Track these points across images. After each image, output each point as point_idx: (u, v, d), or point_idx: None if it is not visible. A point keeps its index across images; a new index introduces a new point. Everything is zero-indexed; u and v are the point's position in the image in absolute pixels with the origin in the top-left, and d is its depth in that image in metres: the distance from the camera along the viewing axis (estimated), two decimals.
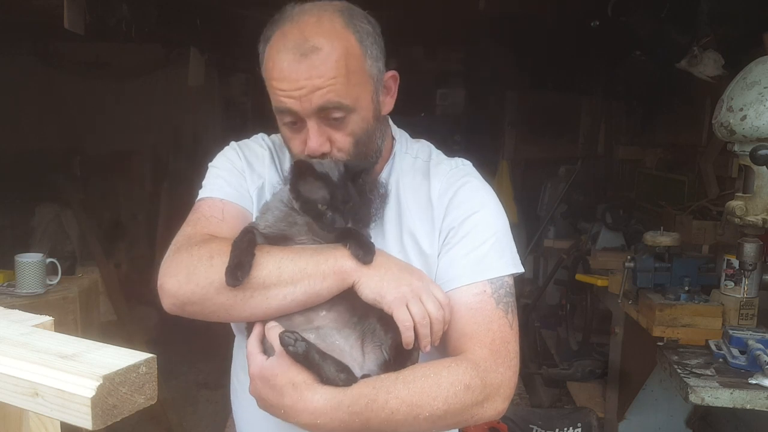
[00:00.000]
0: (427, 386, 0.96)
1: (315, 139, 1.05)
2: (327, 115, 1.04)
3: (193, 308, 1.01)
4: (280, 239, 1.04)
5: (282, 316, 1.01)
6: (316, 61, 1.01)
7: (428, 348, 0.98)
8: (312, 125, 1.04)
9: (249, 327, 1.06)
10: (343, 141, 1.07)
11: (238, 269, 0.96)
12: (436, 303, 0.98)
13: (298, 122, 1.06)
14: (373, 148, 1.13)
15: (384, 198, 1.15)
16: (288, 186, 1.05)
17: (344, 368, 0.95)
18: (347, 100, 1.04)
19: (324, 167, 1.01)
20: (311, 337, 0.99)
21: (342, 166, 1.03)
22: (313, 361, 0.93)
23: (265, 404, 0.98)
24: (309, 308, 1.01)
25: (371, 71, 1.08)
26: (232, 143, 1.24)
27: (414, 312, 0.96)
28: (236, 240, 1.01)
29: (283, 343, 0.93)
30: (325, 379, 0.93)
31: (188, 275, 1.00)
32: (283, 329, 0.97)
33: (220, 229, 1.09)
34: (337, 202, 0.99)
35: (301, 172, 1.00)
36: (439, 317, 0.98)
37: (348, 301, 1.01)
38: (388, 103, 1.15)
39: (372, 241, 1.07)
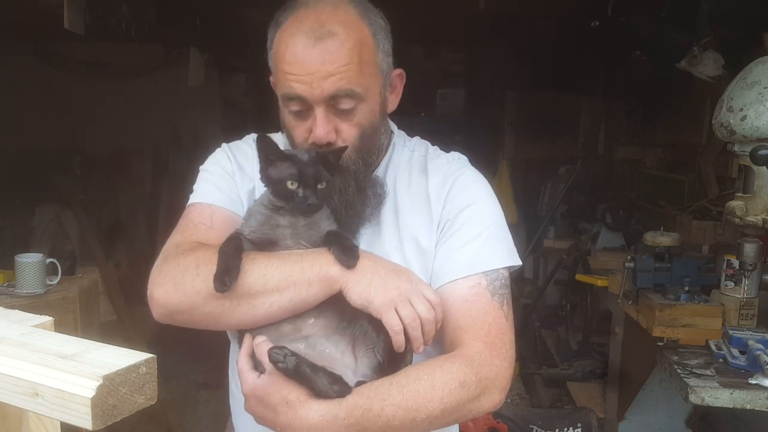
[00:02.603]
0: (421, 389, 0.94)
1: (322, 127, 1.04)
2: (336, 104, 1.04)
3: (182, 317, 1.02)
4: (266, 244, 1.03)
5: (270, 326, 1.00)
6: (330, 46, 1.01)
7: (421, 349, 0.97)
8: (320, 113, 1.03)
9: (240, 335, 1.05)
10: (349, 131, 1.06)
11: (226, 274, 0.95)
12: (426, 304, 0.97)
13: (304, 110, 1.05)
14: (376, 144, 1.13)
15: (381, 198, 1.14)
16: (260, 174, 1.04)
17: (337, 379, 0.93)
18: (358, 88, 1.03)
19: (292, 150, 1.01)
20: (301, 347, 0.98)
21: (313, 152, 1.02)
22: (305, 375, 0.91)
23: (261, 422, 0.97)
24: (297, 316, 1.00)
25: (382, 65, 1.09)
26: (223, 145, 1.23)
27: (403, 315, 0.95)
28: (222, 246, 0.99)
29: (273, 360, 0.90)
30: (318, 393, 0.91)
31: (175, 285, 1.00)
32: (272, 345, 0.94)
33: (209, 237, 1.08)
34: (307, 179, 0.98)
35: (267, 155, 0.99)
36: (430, 318, 0.96)
37: (337, 306, 0.99)
38: (393, 102, 1.16)
39: (357, 244, 1.06)
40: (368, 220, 1.13)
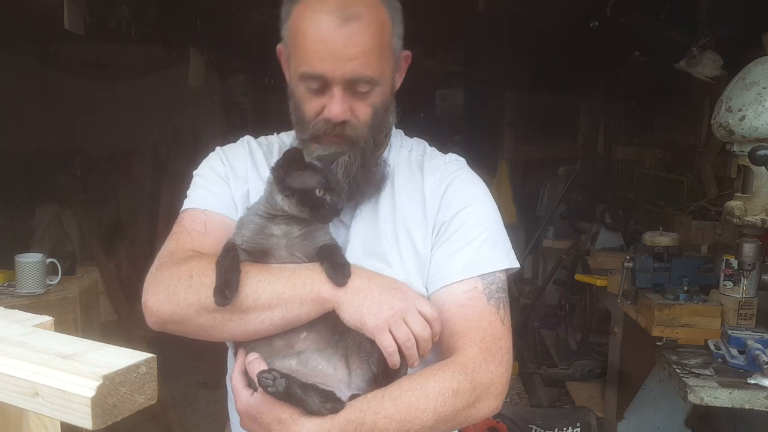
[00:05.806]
0: (414, 399, 0.94)
1: (339, 106, 1.04)
2: (354, 86, 1.05)
3: (175, 327, 1.02)
4: (259, 254, 1.02)
5: (263, 342, 1.00)
6: (356, 29, 1.01)
7: (416, 364, 0.97)
8: (338, 92, 1.04)
9: (235, 345, 1.05)
10: (363, 111, 1.08)
11: (226, 288, 0.95)
12: (422, 322, 0.96)
13: (321, 87, 1.06)
14: (386, 122, 1.14)
15: (384, 178, 1.15)
16: (268, 193, 1.03)
17: (329, 396, 0.92)
18: (376, 74, 1.05)
19: (307, 158, 1.01)
20: (293, 363, 0.98)
21: (316, 159, 1.04)
22: (296, 395, 0.91)
23: None
24: (289, 331, 0.99)
25: (395, 48, 1.10)
26: (217, 149, 1.23)
27: (398, 336, 0.94)
28: (220, 259, 0.99)
29: (262, 385, 0.90)
30: (310, 412, 0.91)
31: (168, 295, 1.00)
32: (264, 365, 0.94)
33: (203, 244, 1.08)
34: (332, 185, 0.99)
35: (288, 164, 0.99)
36: (425, 336, 0.96)
37: (329, 319, 0.98)
38: (397, 81, 1.17)
39: (348, 260, 1.05)
40: (369, 197, 1.13)
